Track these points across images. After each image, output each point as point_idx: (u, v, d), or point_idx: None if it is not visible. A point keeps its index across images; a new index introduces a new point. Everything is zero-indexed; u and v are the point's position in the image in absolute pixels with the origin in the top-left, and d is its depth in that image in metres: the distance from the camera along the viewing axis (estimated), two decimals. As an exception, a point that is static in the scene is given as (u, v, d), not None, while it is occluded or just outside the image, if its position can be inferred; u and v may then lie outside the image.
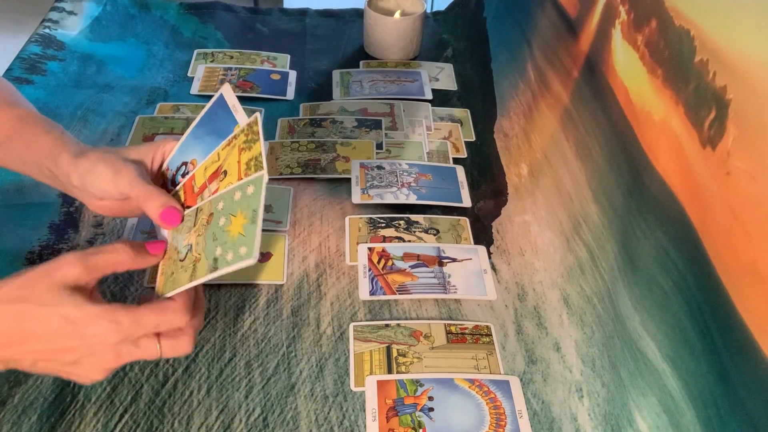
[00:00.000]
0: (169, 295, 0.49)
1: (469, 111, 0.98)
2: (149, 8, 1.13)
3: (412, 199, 0.82)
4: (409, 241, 0.77)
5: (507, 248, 0.78)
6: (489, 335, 0.67)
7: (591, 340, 0.65)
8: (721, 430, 0.47)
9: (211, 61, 1.03)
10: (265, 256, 0.73)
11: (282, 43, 1.11)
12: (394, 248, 0.75)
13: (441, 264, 0.74)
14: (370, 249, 0.75)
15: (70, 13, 1.07)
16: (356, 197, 0.81)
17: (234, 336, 0.66)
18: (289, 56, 1.07)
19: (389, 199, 0.81)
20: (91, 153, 0.56)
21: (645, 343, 0.57)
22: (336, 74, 1.03)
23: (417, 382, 0.62)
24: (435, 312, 0.70)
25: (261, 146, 0.49)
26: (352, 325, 0.67)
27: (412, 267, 0.73)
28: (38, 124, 0.59)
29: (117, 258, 0.49)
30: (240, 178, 0.50)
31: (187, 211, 0.54)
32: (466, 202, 0.82)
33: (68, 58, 1.00)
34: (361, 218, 0.79)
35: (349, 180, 0.84)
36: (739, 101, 0.47)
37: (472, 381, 0.63)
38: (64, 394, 0.59)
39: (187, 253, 0.51)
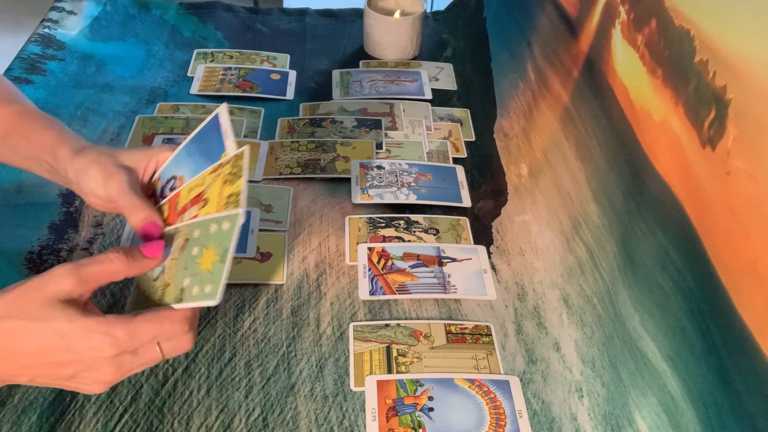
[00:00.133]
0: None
1: (469, 111, 0.98)
2: (149, 8, 1.13)
3: (412, 199, 0.82)
4: (409, 241, 0.77)
5: (507, 248, 0.77)
6: (489, 335, 0.67)
7: (591, 340, 0.65)
8: (721, 430, 0.47)
9: (211, 61, 1.03)
10: (265, 256, 0.73)
11: (282, 42, 1.10)
12: (394, 248, 0.75)
13: (441, 264, 0.74)
14: (369, 249, 0.75)
15: (70, 12, 1.07)
16: (356, 197, 0.81)
17: (234, 336, 0.66)
18: (288, 56, 1.07)
19: (389, 199, 0.81)
20: (87, 152, 0.56)
21: (645, 343, 0.57)
22: (336, 74, 1.03)
23: (417, 382, 0.62)
24: (435, 312, 0.70)
25: (243, 183, 0.48)
26: (351, 325, 0.67)
27: (412, 267, 0.73)
28: (38, 120, 0.59)
29: (111, 268, 0.47)
30: (218, 210, 0.49)
31: (167, 229, 0.53)
32: (466, 202, 0.82)
33: (68, 57, 1.00)
34: (360, 218, 0.79)
35: (348, 180, 0.84)
36: (739, 101, 0.47)
37: (472, 381, 0.63)
38: (64, 394, 0.59)
39: (159, 274, 0.51)
